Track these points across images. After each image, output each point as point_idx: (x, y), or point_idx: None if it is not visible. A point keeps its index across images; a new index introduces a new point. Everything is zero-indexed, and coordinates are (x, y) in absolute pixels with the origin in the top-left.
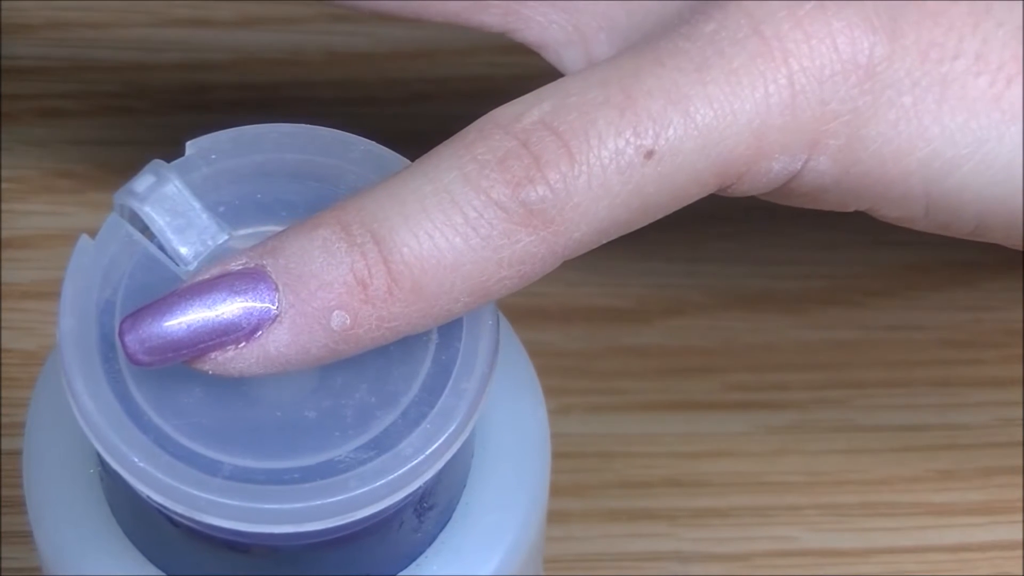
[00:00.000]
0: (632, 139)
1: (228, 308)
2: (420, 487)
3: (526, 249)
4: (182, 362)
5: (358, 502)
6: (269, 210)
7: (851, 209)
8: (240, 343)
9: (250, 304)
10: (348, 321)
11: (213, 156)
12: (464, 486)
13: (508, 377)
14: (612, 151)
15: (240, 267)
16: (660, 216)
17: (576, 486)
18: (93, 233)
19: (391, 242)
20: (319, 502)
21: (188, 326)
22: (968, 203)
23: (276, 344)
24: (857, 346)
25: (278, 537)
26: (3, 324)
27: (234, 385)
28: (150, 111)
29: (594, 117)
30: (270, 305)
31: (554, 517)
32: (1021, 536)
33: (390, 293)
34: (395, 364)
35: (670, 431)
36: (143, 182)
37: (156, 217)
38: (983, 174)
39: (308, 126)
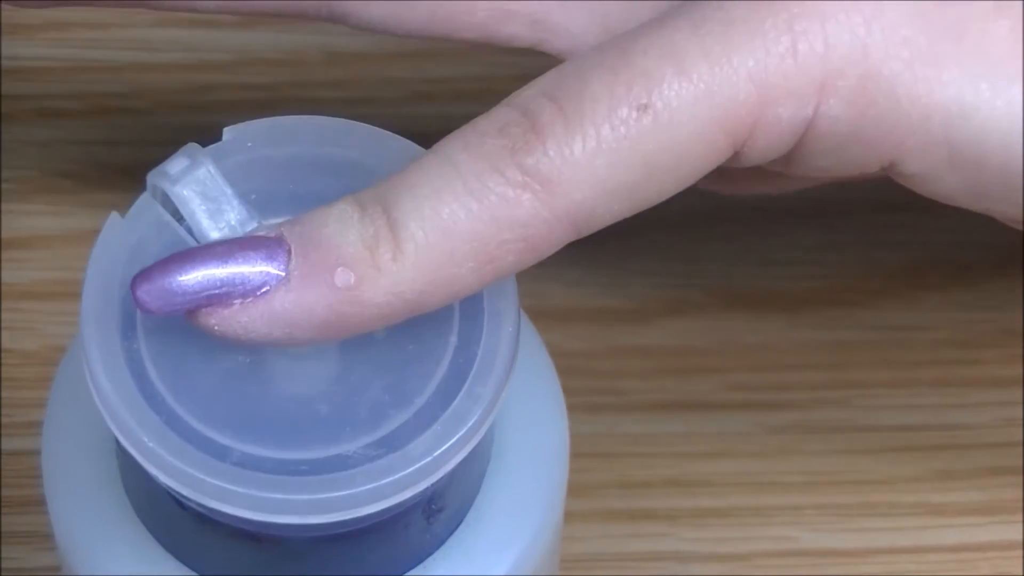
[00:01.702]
0: (624, 94)
1: (240, 267)
2: (428, 489)
3: (527, 212)
4: (188, 318)
5: (363, 498)
6: (300, 201)
7: (875, 168)
8: (247, 298)
9: (262, 264)
10: (352, 279)
11: (249, 144)
12: (478, 491)
13: (531, 383)
14: (606, 108)
15: (261, 233)
16: (673, 182)
17: (576, 486)
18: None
19: (397, 210)
20: (324, 495)
21: (199, 279)
22: (991, 153)
23: (281, 300)
24: (857, 346)
25: (281, 527)
26: (3, 324)
27: (250, 372)
28: (150, 111)
29: (588, 78)
30: (281, 268)
31: None
32: (1021, 536)
33: (394, 259)
34: (412, 364)
35: (670, 431)
36: (177, 164)
37: (187, 200)
38: (1004, 120)
39: (346, 120)
